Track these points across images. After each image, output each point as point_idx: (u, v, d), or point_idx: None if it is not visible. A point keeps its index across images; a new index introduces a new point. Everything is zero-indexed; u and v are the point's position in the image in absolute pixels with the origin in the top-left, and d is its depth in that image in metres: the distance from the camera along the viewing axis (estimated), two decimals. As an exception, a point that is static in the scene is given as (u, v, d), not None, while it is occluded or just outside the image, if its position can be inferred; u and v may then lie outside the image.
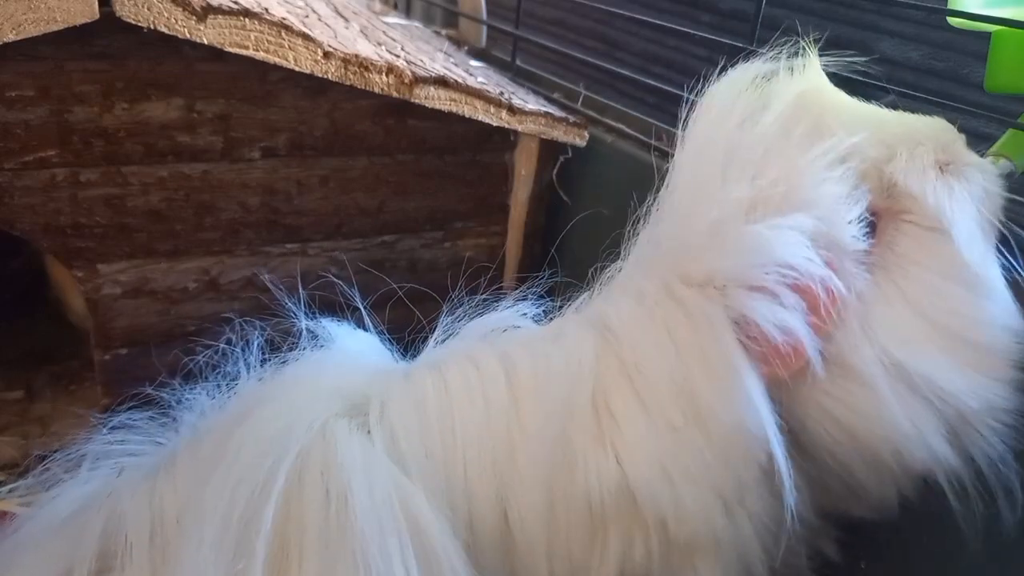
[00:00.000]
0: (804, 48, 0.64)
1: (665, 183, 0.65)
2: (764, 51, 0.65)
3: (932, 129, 0.63)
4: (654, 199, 0.66)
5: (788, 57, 0.64)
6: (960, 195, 0.61)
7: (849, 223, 0.59)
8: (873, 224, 0.61)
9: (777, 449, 0.57)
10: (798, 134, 0.60)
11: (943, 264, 0.59)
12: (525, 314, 0.70)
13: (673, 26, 1.10)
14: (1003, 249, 0.62)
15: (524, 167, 1.05)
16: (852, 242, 0.59)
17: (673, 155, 0.66)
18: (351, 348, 0.70)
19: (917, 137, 0.62)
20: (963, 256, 0.59)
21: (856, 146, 0.60)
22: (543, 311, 0.71)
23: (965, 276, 0.59)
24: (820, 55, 0.64)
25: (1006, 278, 0.61)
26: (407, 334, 0.72)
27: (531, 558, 0.61)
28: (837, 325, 0.58)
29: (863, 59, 0.66)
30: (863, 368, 0.59)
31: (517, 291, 0.72)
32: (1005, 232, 0.62)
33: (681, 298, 0.60)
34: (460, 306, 0.71)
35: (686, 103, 0.65)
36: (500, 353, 0.65)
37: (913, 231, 0.61)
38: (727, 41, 0.96)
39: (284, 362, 0.67)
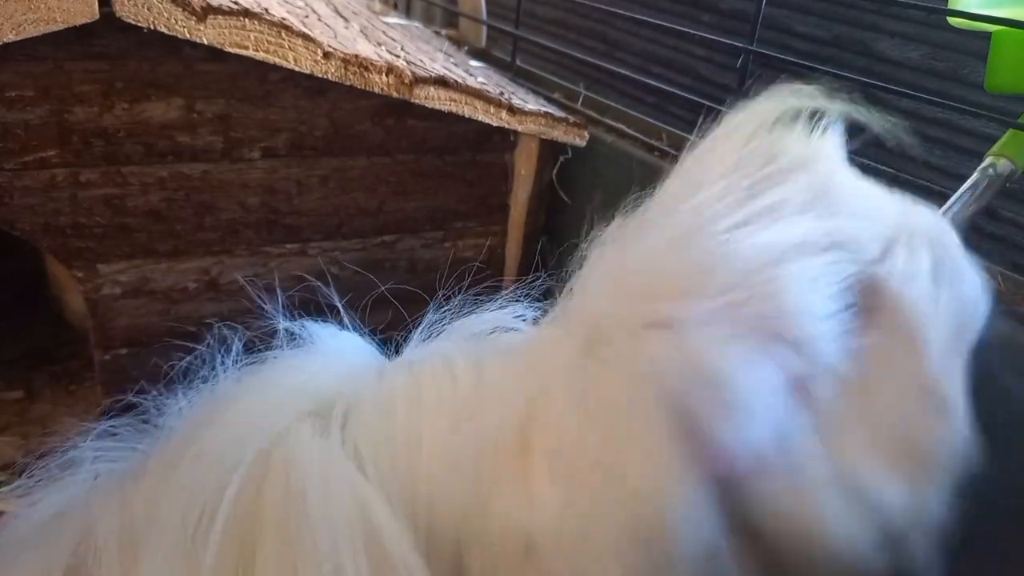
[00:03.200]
0: (822, 113, 0.59)
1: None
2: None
3: (929, 225, 0.60)
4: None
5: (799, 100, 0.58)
6: (944, 306, 0.57)
7: (830, 339, 0.54)
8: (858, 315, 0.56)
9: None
10: (789, 211, 0.55)
11: (909, 380, 0.56)
12: (517, 316, 0.68)
13: (673, 26, 1.10)
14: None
15: (524, 167, 1.05)
16: (829, 357, 0.54)
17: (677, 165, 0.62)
18: (329, 347, 0.68)
19: (915, 236, 0.58)
20: (930, 375, 0.56)
21: (852, 239, 0.56)
22: (537, 313, 0.69)
23: (928, 396, 0.56)
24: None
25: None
26: (406, 334, 0.72)
27: None
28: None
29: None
30: (809, 475, 0.55)
31: (515, 291, 0.72)
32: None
33: (614, 351, 0.55)
34: (449, 303, 0.69)
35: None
36: (476, 361, 0.63)
37: (888, 340, 0.56)
38: (727, 41, 0.96)
39: (261, 363, 0.66)
